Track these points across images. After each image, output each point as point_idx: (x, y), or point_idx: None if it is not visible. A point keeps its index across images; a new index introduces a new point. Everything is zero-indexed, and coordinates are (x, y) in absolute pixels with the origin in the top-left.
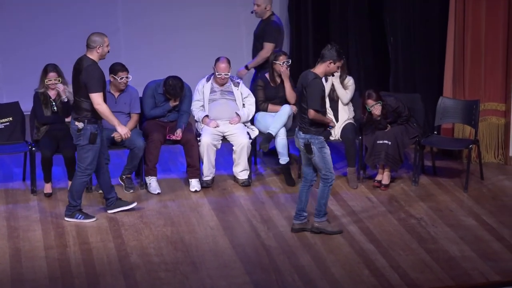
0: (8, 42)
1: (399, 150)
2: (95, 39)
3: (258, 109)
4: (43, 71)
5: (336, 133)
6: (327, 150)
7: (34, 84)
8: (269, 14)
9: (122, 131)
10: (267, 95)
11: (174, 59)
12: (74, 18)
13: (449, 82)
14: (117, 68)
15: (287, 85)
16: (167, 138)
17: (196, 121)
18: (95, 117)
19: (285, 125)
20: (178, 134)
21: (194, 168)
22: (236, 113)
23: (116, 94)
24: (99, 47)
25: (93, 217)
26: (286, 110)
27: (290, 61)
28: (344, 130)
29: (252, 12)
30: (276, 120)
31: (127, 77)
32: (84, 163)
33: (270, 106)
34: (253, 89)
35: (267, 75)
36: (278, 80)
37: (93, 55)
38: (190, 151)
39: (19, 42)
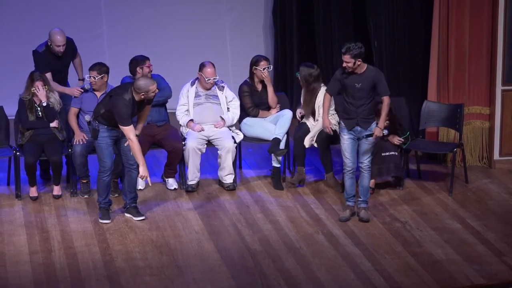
0: None
1: (402, 157)
2: (140, 86)
3: (247, 115)
4: (29, 79)
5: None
6: (342, 140)
7: (17, 88)
8: None
9: (144, 172)
10: (254, 101)
11: (159, 62)
12: (58, 22)
13: (433, 86)
14: (90, 67)
15: (270, 90)
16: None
17: (181, 126)
18: (110, 125)
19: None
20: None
21: (171, 169)
22: (221, 117)
23: (98, 94)
24: (142, 94)
25: (108, 218)
26: (289, 115)
27: (271, 67)
28: (320, 136)
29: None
30: (282, 125)
31: (94, 77)
32: (98, 160)
33: (261, 112)
34: (240, 96)
35: (249, 79)
36: (260, 86)
37: (136, 96)
38: (174, 158)
39: (1, 46)
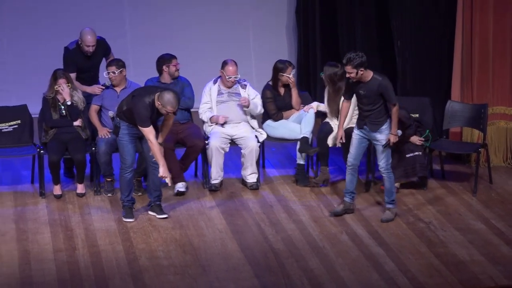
0: (16, 45)
1: (426, 157)
2: (163, 98)
3: (268, 117)
4: (53, 77)
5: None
6: (352, 139)
7: (42, 87)
8: None
9: (164, 173)
10: (277, 106)
11: (182, 62)
12: (82, 21)
13: (457, 86)
14: (108, 63)
15: (294, 93)
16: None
17: (204, 122)
18: (131, 123)
19: None
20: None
21: (183, 164)
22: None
23: (118, 90)
24: (159, 104)
25: (131, 217)
26: (313, 112)
27: (295, 70)
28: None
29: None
30: (307, 124)
31: (113, 72)
32: (120, 156)
33: (285, 114)
34: (263, 101)
35: (271, 82)
36: (283, 89)
37: (156, 103)
38: (191, 153)
39: (27, 45)
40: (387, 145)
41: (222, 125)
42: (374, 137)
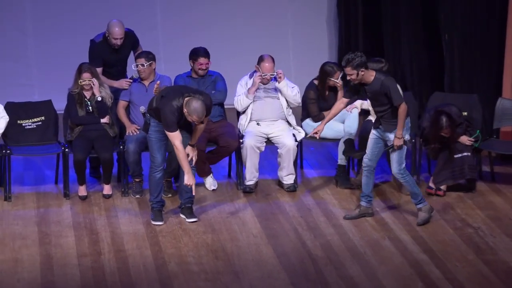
0: (42, 38)
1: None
2: (189, 105)
3: (308, 116)
4: (77, 71)
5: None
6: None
7: (67, 82)
8: None
9: (188, 181)
10: (319, 107)
11: (216, 57)
12: (111, 14)
13: (508, 83)
14: (137, 56)
15: (340, 95)
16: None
17: (240, 114)
18: (160, 121)
19: None
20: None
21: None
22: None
23: (147, 83)
24: (186, 111)
25: (160, 220)
26: (356, 112)
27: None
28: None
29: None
30: (351, 124)
31: (142, 65)
32: (150, 155)
33: (325, 113)
34: (305, 102)
35: (316, 82)
36: (327, 92)
37: (183, 108)
38: (222, 152)
39: (53, 38)
40: (391, 147)
41: (258, 123)
42: (387, 137)
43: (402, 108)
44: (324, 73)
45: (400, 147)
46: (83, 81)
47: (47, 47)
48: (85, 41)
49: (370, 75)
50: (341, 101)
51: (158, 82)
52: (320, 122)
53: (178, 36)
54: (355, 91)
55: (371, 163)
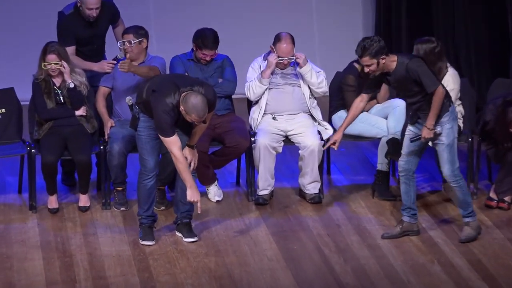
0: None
1: None
2: (187, 102)
3: (342, 107)
4: (42, 52)
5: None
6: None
7: (34, 65)
8: None
9: (192, 197)
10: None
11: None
12: None
13: None
14: (125, 30)
15: (384, 85)
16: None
17: (252, 103)
18: (151, 116)
19: None
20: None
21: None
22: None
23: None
24: (184, 109)
25: (151, 239)
26: (403, 106)
27: None
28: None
29: None
30: (398, 121)
31: (129, 42)
32: (139, 157)
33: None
34: (342, 88)
35: (356, 65)
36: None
37: (180, 105)
38: (229, 154)
39: (15, 14)
40: (417, 139)
41: (274, 117)
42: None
43: (439, 94)
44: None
45: (430, 139)
46: (48, 64)
47: (8, 25)
48: (51, 14)
49: (391, 61)
50: (361, 98)
51: (128, 55)
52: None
53: (174, 8)
54: (376, 84)
55: (408, 165)
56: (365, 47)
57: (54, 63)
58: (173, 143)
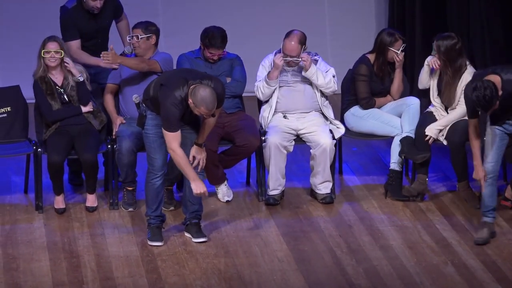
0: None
1: None
2: (195, 94)
3: (355, 103)
4: (41, 46)
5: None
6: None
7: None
8: None
9: (197, 189)
10: (372, 88)
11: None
12: None
13: None
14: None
15: (399, 77)
16: None
17: (262, 102)
18: (159, 113)
19: None
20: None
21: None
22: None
23: None
24: (192, 102)
25: (160, 239)
26: (418, 104)
27: (405, 46)
28: (452, 131)
29: None
30: (412, 119)
31: (137, 37)
32: (147, 156)
33: (377, 101)
34: (354, 79)
35: (369, 56)
36: (384, 70)
37: (189, 99)
38: (239, 153)
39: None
40: None
41: (285, 116)
42: None
43: None
44: (382, 42)
45: None
46: (47, 52)
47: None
48: (54, 9)
49: (498, 83)
50: (473, 123)
51: (111, 46)
52: (367, 110)
53: (183, 4)
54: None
55: (496, 167)
56: (487, 101)
57: (55, 51)
58: (174, 138)
